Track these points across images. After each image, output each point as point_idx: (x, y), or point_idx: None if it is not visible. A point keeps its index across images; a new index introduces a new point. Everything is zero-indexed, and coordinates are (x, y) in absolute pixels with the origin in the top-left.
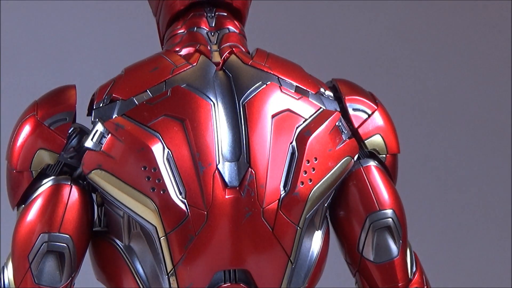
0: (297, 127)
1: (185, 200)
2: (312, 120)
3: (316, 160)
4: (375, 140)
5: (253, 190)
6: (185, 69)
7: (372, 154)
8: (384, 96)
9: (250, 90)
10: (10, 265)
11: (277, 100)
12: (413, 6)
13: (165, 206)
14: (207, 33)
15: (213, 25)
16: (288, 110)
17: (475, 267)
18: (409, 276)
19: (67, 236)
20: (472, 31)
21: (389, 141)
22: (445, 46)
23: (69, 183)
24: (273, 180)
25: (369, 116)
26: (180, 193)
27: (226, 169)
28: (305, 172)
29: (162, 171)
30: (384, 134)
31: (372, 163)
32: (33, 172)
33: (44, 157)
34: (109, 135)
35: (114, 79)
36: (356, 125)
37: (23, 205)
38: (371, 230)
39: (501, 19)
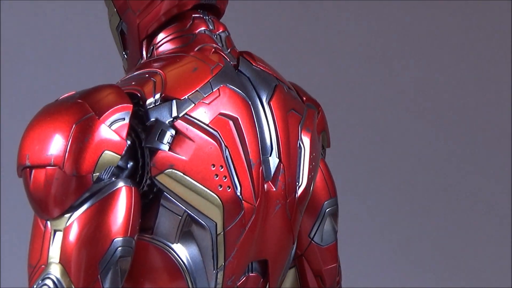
0: (299, 125)
1: (241, 196)
2: (305, 117)
3: (314, 155)
4: (323, 136)
5: (283, 184)
6: (219, 69)
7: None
8: (384, 96)
9: (268, 90)
10: (64, 279)
11: (286, 100)
12: (413, 6)
13: (229, 202)
14: (213, 35)
15: (213, 27)
16: (293, 108)
17: (475, 267)
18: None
19: (133, 239)
20: (472, 31)
21: (328, 136)
22: (445, 46)
23: (131, 185)
24: (293, 174)
25: (318, 114)
26: (237, 189)
27: (264, 164)
28: (310, 166)
29: (227, 169)
30: (326, 130)
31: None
32: (94, 175)
33: (108, 159)
34: (178, 134)
35: (151, 78)
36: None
37: (76, 211)
38: (325, 217)
39: (501, 19)
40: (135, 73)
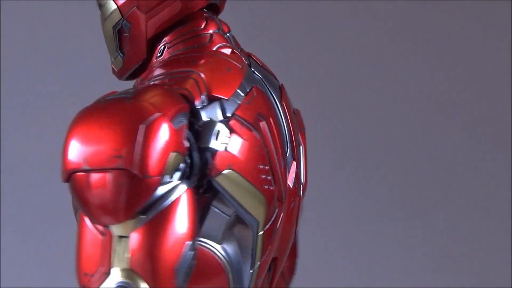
0: (295, 123)
1: (276, 195)
2: (296, 116)
3: (306, 152)
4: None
5: (297, 182)
6: (246, 70)
7: None
8: (384, 96)
9: (277, 90)
10: (139, 285)
11: (289, 100)
12: (413, 6)
13: (270, 201)
14: (224, 35)
15: (221, 27)
16: (293, 108)
17: (475, 267)
18: None
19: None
20: (472, 31)
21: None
22: (445, 46)
23: (192, 187)
24: (299, 172)
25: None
26: (273, 188)
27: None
28: (306, 164)
29: (269, 168)
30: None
31: None
32: (161, 178)
33: (174, 160)
34: (232, 134)
35: (191, 78)
36: None
37: (143, 215)
38: None
39: (501, 19)
40: (164, 72)
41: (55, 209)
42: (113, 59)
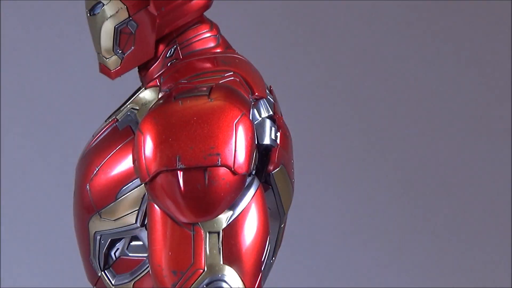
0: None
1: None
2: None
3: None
4: None
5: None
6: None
7: None
8: (384, 96)
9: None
10: (236, 280)
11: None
12: (413, 6)
13: (292, 195)
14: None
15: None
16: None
17: (475, 267)
18: None
19: None
20: (472, 31)
21: None
22: (445, 46)
23: (261, 182)
24: None
25: None
26: None
27: None
28: None
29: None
30: None
31: None
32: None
33: (255, 156)
34: (279, 131)
35: (236, 79)
36: None
37: (232, 210)
38: None
39: (501, 19)
40: (203, 72)
41: (55, 209)
42: (105, 58)
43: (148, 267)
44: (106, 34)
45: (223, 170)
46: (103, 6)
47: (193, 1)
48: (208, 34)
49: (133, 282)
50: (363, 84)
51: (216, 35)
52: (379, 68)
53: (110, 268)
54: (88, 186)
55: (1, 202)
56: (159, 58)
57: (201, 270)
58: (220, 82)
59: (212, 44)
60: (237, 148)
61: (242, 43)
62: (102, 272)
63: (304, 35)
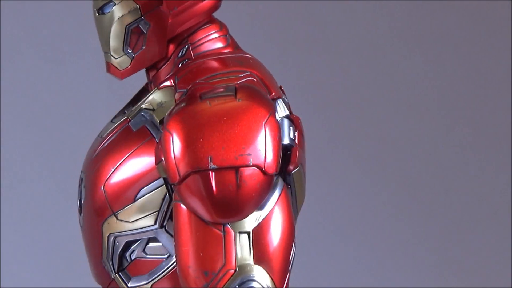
0: None
1: None
2: None
3: None
4: None
5: None
6: None
7: None
8: (384, 96)
9: None
10: (268, 280)
11: None
12: (413, 6)
13: None
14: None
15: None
16: None
17: (475, 267)
18: None
19: None
20: (472, 31)
21: None
22: (445, 46)
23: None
24: None
25: None
26: None
27: None
28: None
29: None
30: None
31: None
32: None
33: (281, 157)
34: (297, 131)
35: (254, 79)
36: None
37: (260, 210)
38: None
39: (501, 19)
40: (219, 72)
41: (56, 209)
42: (114, 58)
43: (167, 268)
44: (116, 33)
45: (254, 170)
46: (114, 5)
47: (205, 1)
48: (218, 34)
49: (151, 283)
50: (362, 84)
51: (226, 35)
52: (379, 69)
53: (125, 270)
54: (103, 188)
55: (1, 202)
56: (169, 58)
57: (233, 271)
58: (239, 82)
59: (222, 44)
60: (266, 148)
61: (242, 43)
62: (117, 274)
63: (306, 37)
